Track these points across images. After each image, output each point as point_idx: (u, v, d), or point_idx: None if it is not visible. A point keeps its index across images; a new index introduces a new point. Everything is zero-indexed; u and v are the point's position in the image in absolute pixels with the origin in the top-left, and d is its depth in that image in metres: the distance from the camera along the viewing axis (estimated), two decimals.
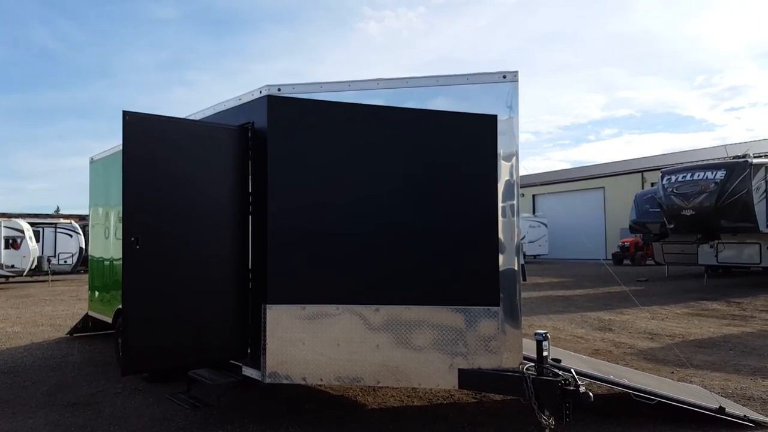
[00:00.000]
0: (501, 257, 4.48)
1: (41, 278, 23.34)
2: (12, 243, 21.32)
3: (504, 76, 4.53)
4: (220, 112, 5.37)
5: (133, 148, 4.42)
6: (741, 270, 18.29)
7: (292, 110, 4.70)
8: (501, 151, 4.51)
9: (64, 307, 13.98)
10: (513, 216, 4.52)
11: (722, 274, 19.35)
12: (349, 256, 4.62)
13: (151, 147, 4.51)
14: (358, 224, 4.62)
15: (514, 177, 4.53)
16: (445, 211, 4.55)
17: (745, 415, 4.73)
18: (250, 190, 4.95)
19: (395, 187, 4.60)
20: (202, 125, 5.11)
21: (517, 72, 4.52)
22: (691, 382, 6.14)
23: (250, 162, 4.95)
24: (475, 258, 4.51)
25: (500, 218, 4.49)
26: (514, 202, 4.52)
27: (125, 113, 4.39)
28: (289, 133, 4.69)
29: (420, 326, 4.50)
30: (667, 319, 10.80)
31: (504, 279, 4.47)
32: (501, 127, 4.50)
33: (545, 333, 4.19)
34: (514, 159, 4.53)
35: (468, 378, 4.46)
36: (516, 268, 4.53)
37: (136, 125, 4.44)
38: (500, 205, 4.50)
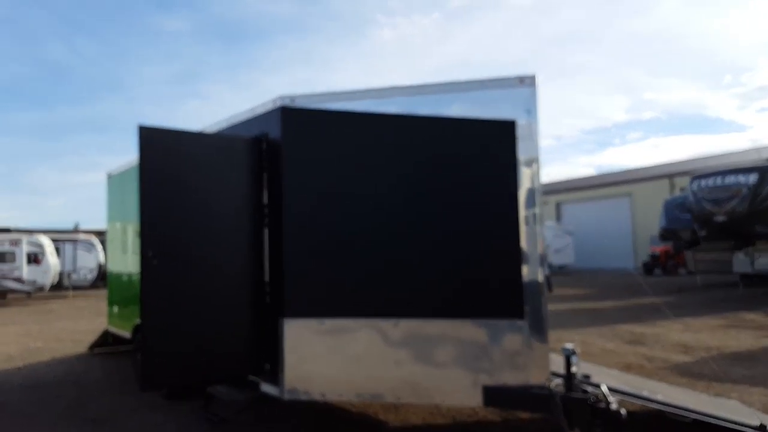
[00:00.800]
0: (524, 268, 4.31)
1: (61, 293, 23.78)
2: (34, 259, 21.75)
3: (521, 81, 4.39)
4: (234, 124, 5.33)
5: (149, 162, 4.40)
6: None
7: (306, 121, 4.62)
8: (521, 157, 4.35)
9: (85, 323, 14.14)
10: (536, 224, 4.35)
11: (758, 283, 18.66)
12: (367, 269, 4.49)
13: (166, 160, 4.48)
14: (376, 236, 4.50)
15: (536, 184, 4.36)
16: (464, 221, 4.40)
17: None
18: (265, 203, 4.88)
19: (412, 197, 4.48)
20: (216, 137, 5.07)
21: (534, 76, 4.38)
22: (729, 397, 5.82)
23: (264, 174, 4.88)
24: (497, 269, 4.35)
25: (522, 227, 4.33)
26: (537, 210, 4.35)
27: (140, 127, 4.37)
28: (303, 143, 4.61)
29: (441, 340, 4.34)
30: (702, 331, 10.38)
31: (528, 291, 4.30)
32: (520, 132, 4.36)
33: (573, 347, 3.99)
34: (535, 165, 4.36)
35: (493, 395, 4.28)
36: (540, 279, 4.35)
37: (151, 139, 4.42)
38: (522, 213, 4.33)
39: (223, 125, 5.48)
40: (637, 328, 10.95)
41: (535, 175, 4.37)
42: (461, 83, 4.54)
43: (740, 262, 16.31)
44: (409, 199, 4.48)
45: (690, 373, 7.08)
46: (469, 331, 4.33)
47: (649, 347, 9.03)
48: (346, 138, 4.59)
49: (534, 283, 4.32)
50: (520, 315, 4.27)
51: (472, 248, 4.38)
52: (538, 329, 4.29)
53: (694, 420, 4.45)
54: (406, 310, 4.41)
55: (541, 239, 4.39)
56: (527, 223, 4.35)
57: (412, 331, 4.38)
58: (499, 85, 4.45)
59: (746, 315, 12.18)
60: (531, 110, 4.37)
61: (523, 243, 4.33)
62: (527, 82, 4.39)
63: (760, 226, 14.67)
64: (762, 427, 4.40)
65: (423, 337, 4.37)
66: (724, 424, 4.43)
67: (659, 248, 27.93)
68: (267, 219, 4.87)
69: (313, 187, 4.57)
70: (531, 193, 4.37)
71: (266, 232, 4.87)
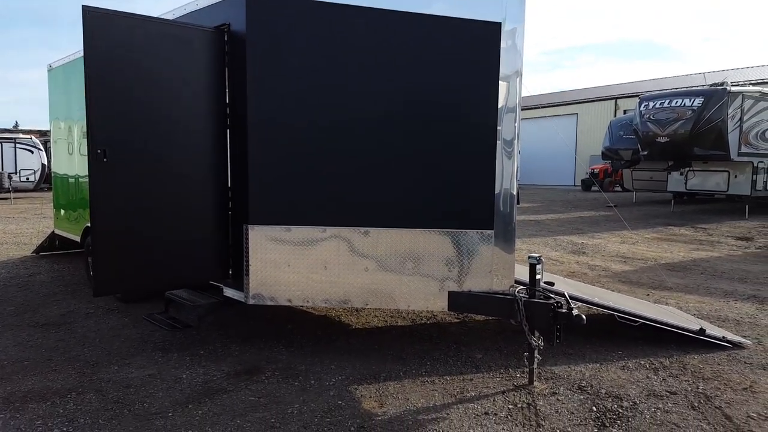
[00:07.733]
0: (497, 180, 4.30)
1: (2, 196, 22.56)
2: None
3: None
4: (192, 11, 4.83)
5: (96, 49, 3.96)
6: (705, 197, 18.74)
7: (273, 10, 4.22)
8: (503, 68, 4.18)
9: (29, 225, 13.47)
10: (513, 139, 4.28)
11: (687, 201, 19.84)
12: (336, 175, 4.34)
13: (116, 48, 4.05)
14: (346, 141, 4.32)
15: (517, 97, 4.25)
16: (439, 129, 4.28)
17: (723, 336, 4.85)
18: (227, 101, 4.56)
19: (386, 99, 4.27)
20: (173, 25, 4.60)
21: None
22: (666, 303, 6.27)
23: (227, 69, 4.52)
24: (470, 180, 4.31)
25: (499, 140, 4.26)
26: (516, 124, 4.27)
27: (85, 9, 3.90)
28: (270, 36, 4.23)
29: (412, 249, 4.35)
30: (638, 244, 11.03)
31: (499, 203, 4.31)
32: (504, 40, 4.15)
33: (539, 257, 4.09)
34: (517, 78, 4.22)
35: (458, 300, 4.39)
36: (513, 192, 4.36)
37: (98, 23, 3.96)
38: (499, 126, 4.25)
39: (179, 13, 4.96)
40: (578, 239, 11.52)
41: (517, 88, 4.24)
42: None
43: (674, 182, 17.16)
44: (381, 103, 4.28)
45: (630, 281, 7.56)
46: (439, 240, 4.34)
47: (590, 257, 9.54)
48: (317, 31, 4.24)
49: (506, 195, 4.33)
50: (489, 225, 4.31)
51: (445, 158, 4.30)
52: (506, 239, 4.36)
53: (642, 324, 4.78)
54: (375, 219, 4.35)
55: (516, 154, 4.35)
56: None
57: (382, 239, 4.35)
58: None
59: (678, 230, 13.01)
60: (518, 13, 4.16)
61: (498, 156, 4.28)
62: None
63: (698, 149, 15.31)
64: (701, 330, 4.78)
65: (394, 245, 4.35)
66: (668, 328, 4.78)
67: (598, 166, 29.02)
68: (229, 119, 4.57)
69: (279, 85, 4.26)
70: (511, 106, 4.26)
71: (229, 133, 4.60)
